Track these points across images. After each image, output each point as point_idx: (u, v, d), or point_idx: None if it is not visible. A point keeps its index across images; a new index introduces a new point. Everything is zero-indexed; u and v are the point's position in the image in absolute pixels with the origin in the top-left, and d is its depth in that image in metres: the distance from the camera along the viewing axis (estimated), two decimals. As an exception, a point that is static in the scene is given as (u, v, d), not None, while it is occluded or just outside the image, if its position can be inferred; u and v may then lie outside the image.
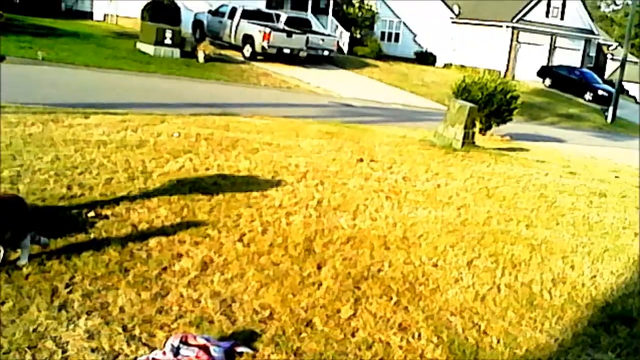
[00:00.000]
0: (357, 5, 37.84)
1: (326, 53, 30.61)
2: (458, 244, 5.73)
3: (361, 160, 9.47)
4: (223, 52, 27.49)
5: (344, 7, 37.59)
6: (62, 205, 5.26)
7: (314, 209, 6.24)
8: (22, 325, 3.40)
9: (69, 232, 4.53)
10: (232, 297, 4.01)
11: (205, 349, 3.29)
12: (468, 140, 12.48)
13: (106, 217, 5.09)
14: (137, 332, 3.50)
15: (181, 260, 4.44)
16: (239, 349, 3.41)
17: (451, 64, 41.11)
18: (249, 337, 3.57)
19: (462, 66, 39.99)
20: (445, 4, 42.05)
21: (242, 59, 27.51)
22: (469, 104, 12.79)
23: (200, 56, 24.38)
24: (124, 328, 3.52)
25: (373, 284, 4.48)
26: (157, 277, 4.12)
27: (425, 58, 40.39)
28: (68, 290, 3.81)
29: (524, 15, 40.27)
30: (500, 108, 16.17)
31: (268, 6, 32.75)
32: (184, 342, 3.31)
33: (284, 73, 26.38)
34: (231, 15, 28.53)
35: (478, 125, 13.87)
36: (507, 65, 40.23)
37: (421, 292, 4.49)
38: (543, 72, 40.31)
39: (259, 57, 27.61)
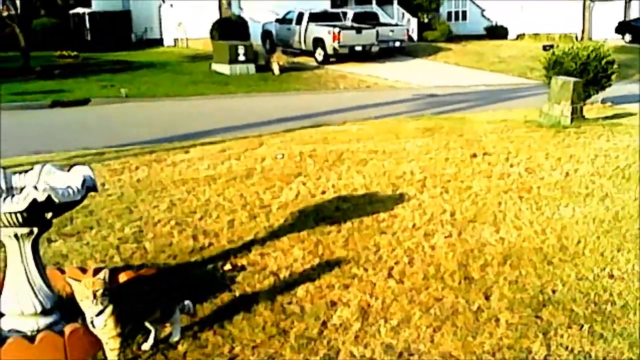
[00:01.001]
0: (421, -11, 36.95)
1: (397, 44, 30.02)
2: (623, 245, 5.17)
3: (475, 155, 8.95)
4: (296, 59, 27.27)
5: (409, -7, 36.79)
6: (195, 260, 4.98)
7: (450, 225, 5.78)
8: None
9: (213, 293, 4.22)
10: (407, 348, 3.61)
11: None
12: (577, 115, 11.81)
13: (243, 268, 4.77)
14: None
15: (337, 310, 4.06)
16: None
17: (524, 34, 39.69)
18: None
19: (536, 35, 38.58)
20: (512, -29, 40.67)
21: (315, 64, 27.24)
22: (572, 79, 12.13)
23: (276, 68, 24.20)
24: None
25: (554, 311, 3.99)
26: (319, 335, 3.75)
27: (496, 32, 39.16)
28: (232, 365, 3.50)
29: (596, -29, 38.60)
30: (597, 76, 15.28)
31: (333, 5, 32.35)
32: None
33: (360, 72, 25.96)
34: (299, 21, 28.29)
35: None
36: (583, 27, 38.49)
37: (610, 312, 3.98)
38: (621, 28, 38.43)
39: (331, 60, 27.25)
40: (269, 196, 6.91)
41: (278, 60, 24.80)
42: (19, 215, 3.41)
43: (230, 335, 3.74)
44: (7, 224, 3.45)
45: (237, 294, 4.26)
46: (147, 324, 3.57)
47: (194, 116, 15.70)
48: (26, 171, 3.89)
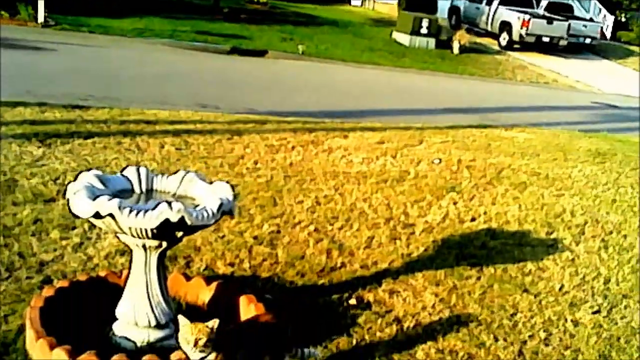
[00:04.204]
0: (623, -15, 34.43)
1: (588, 41, 28.31)
2: None
3: (649, 204, 8.19)
4: (478, 40, 26.41)
5: (610, -13, 34.41)
6: (322, 283, 4.84)
7: (601, 296, 5.26)
8: None
9: (329, 334, 4.05)
10: None
11: None
12: None
13: (368, 305, 4.56)
14: None
15: (454, 387, 3.80)
16: None
17: None
18: None
19: None
20: None
21: (497, 48, 26.28)
22: None
23: (456, 47, 23.58)
24: None
25: None
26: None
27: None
28: None
29: None
30: None
31: (527, -10, 30.86)
32: None
33: (542, 65, 24.79)
34: (489, 2, 27.30)
35: None
36: None
37: None
38: None
39: (515, 46, 26.17)
40: (415, 212, 6.64)
41: (460, 38, 24.15)
42: (149, 230, 3.37)
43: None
44: (136, 235, 3.43)
45: (354, 341, 4.07)
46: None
47: (364, 90, 15.57)
48: (169, 175, 3.83)
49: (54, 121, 8.15)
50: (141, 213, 3.29)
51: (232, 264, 4.94)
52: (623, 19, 34.19)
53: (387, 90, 16.00)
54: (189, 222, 3.32)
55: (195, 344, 3.01)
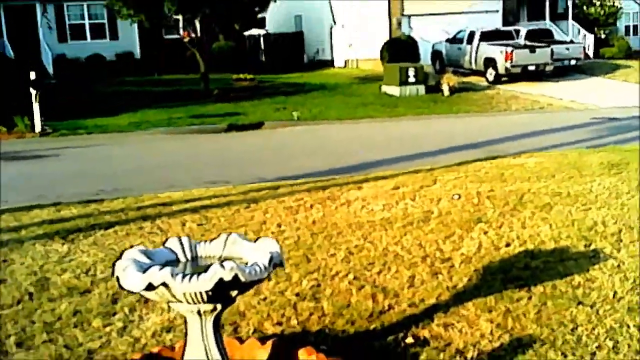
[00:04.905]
0: (598, 3, 35.01)
1: (573, 62, 28.63)
2: None
3: (676, 202, 8.11)
4: (465, 80, 26.68)
5: (584, 8, 35.01)
6: (374, 327, 4.73)
7: (658, 297, 5.15)
8: None
9: (396, 377, 3.94)
10: None
11: None
12: None
13: (426, 342, 4.45)
14: None
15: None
16: None
17: None
18: None
19: None
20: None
21: (486, 84, 26.52)
22: None
23: (445, 89, 23.80)
24: None
25: None
26: None
27: (681, 46, 36.50)
28: None
29: None
30: None
31: (505, 22, 31.37)
32: None
33: (533, 92, 24.97)
34: (470, 40, 27.72)
35: None
36: None
37: None
38: None
39: (503, 80, 26.43)
40: (449, 247, 6.56)
41: (448, 81, 24.41)
42: (203, 293, 3.30)
43: None
44: (190, 301, 3.36)
45: (424, 378, 3.95)
46: None
47: (365, 142, 15.62)
48: (211, 240, 3.81)
49: (72, 217, 8.13)
50: (194, 277, 3.24)
51: (279, 323, 4.84)
52: (603, 36, 34.65)
53: (386, 141, 16.05)
54: (242, 279, 3.27)
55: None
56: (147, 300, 5.23)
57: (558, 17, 34.87)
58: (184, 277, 3.23)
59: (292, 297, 5.33)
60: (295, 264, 6.13)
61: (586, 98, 23.58)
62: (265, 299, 5.30)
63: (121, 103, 20.76)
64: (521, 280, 5.53)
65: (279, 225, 7.54)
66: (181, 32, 26.84)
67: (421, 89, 23.73)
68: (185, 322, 3.57)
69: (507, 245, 6.59)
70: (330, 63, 33.34)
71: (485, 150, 13.13)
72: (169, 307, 4.02)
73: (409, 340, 4.48)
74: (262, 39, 33.01)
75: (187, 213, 8.20)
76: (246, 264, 3.43)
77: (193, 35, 23.69)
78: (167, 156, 14.44)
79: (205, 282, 3.24)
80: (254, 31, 33.55)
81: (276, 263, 3.51)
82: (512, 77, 26.38)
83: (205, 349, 3.56)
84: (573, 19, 34.35)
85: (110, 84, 24.17)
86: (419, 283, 5.59)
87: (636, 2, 37.79)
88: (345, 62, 32.94)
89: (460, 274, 5.78)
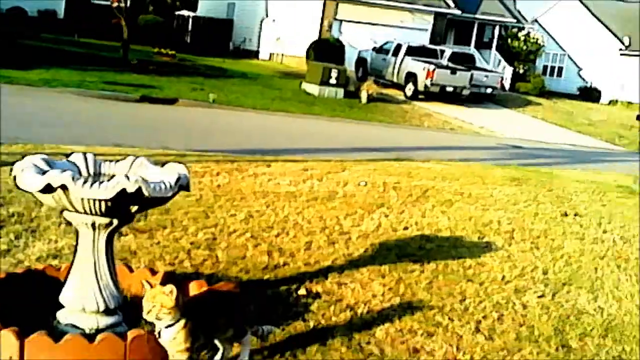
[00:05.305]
0: (522, 38, 36.21)
1: (489, 90, 29.34)
2: None
3: (565, 214, 8.45)
4: (384, 91, 27.03)
5: (509, 40, 36.14)
6: (267, 278, 4.70)
7: (543, 284, 5.34)
8: None
9: (285, 319, 3.91)
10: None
11: None
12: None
13: (318, 295, 4.46)
14: None
15: (421, 358, 3.71)
16: None
17: (617, 101, 38.63)
18: None
19: (630, 103, 37.45)
20: (615, 35, 39.63)
21: (403, 98, 26.92)
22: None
23: (364, 96, 24.01)
24: None
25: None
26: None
27: (589, 94, 38.21)
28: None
29: None
30: None
31: (432, 42, 31.98)
32: None
33: (446, 113, 25.56)
34: (395, 52, 27.98)
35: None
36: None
37: None
38: None
39: (420, 97, 26.86)
40: (349, 223, 6.60)
41: (368, 88, 24.64)
42: (102, 203, 3.17)
43: (303, 368, 3.43)
44: (86, 210, 3.23)
45: (311, 324, 3.94)
46: (217, 342, 3.29)
47: (278, 133, 15.58)
48: (117, 160, 3.68)
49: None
50: (96, 184, 3.11)
51: (172, 264, 4.76)
52: (521, 71, 35.81)
53: (299, 134, 16.06)
54: (146, 194, 3.16)
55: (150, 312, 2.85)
56: (34, 230, 5.05)
57: (483, 45, 35.84)
58: (85, 182, 3.10)
59: (186, 245, 5.25)
60: (194, 218, 6.04)
61: (495, 127, 24.28)
62: (158, 242, 5.20)
63: (34, 59, 19.93)
64: (415, 257, 5.64)
65: (183, 185, 7.39)
66: (111, -2, 26.07)
67: (340, 92, 23.83)
68: (76, 243, 3.43)
69: (405, 228, 6.71)
70: (255, 54, 33.12)
71: (395, 154, 13.32)
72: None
73: (302, 292, 4.49)
74: (190, 19, 32.58)
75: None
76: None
77: (122, 3, 23.04)
78: (74, 114, 13.96)
79: (107, 189, 3.11)
80: (185, 12, 33.09)
81: (182, 185, 3.41)
82: (429, 96, 26.79)
83: (95, 264, 3.42)
84: (497, 49, 35.35)
85: (27, 38, 23.13)
86: (315, 248, 5.61)
87: (557, 44, 39.35)
88: (271, 55, 32.79)
89: (357, 245, 5.84)
